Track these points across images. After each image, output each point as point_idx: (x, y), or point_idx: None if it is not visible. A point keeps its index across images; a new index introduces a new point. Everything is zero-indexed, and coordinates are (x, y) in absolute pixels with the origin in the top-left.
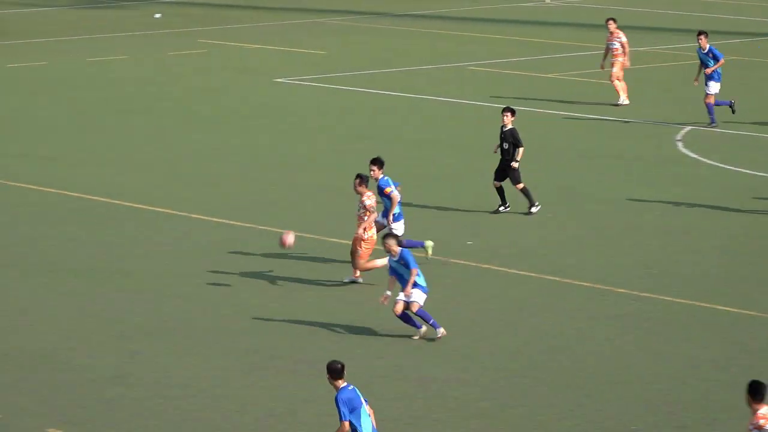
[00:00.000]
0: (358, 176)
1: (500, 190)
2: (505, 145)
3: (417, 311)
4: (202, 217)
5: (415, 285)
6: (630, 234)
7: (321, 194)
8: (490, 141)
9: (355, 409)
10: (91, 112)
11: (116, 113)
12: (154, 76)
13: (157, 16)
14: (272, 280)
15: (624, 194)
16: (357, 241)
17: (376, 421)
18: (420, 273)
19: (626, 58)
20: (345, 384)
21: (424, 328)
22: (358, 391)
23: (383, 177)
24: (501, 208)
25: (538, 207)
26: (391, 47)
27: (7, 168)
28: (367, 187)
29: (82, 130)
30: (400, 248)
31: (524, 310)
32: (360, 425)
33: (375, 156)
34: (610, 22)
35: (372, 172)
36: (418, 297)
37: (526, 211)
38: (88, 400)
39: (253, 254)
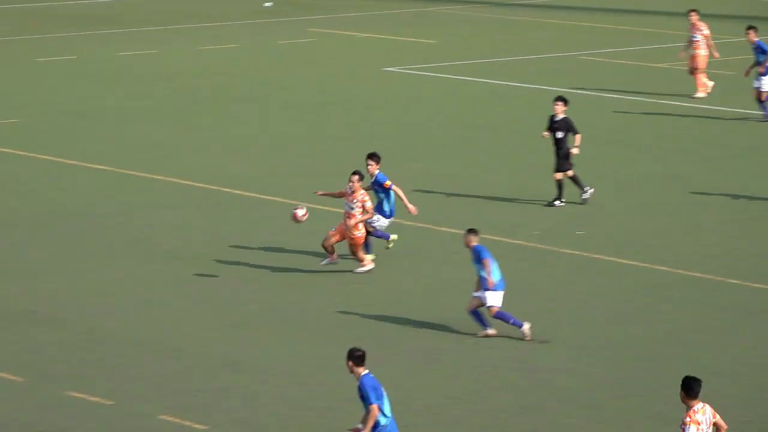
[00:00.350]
0: (358, 173)
1: (560, 183)
2: (559, 134)
3: (494, 315)
4: (313, 206)
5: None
6: (745, 224)
7: (431, 183)
8: (599, 130)
9: (380, 396)
10: (201, 101)
11: (226, 102)
12: (264, 65)
13: (268, 4)
14: (389, 267)
15: (737, 184)
16: (348, 234)
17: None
18: (496, 268)
19: (712, 49)
20: (366, 371)
21: (491, 330)
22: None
23: (379, 172)
24: (556, 202)
25: (591, 190)
26: (501, 36)
27: (119, 156)
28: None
29: (193, 118)
30: (474, 244)
31: (635, 300)
32: (384, 411)
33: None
34: (692, 13)
35: (369, 167)
36: (494, 299)
37: (579, 200)
38: (200, 387)
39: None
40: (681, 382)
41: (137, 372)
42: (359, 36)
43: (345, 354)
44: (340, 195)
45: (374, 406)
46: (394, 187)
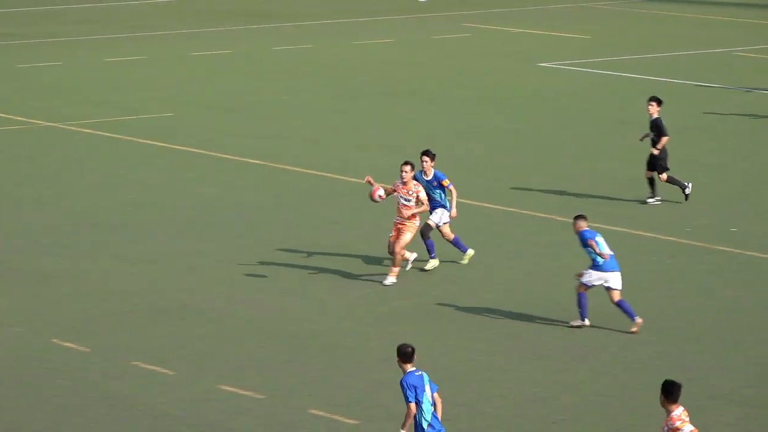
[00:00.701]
0: (410, 164)
1: (651, 181)
2: (652, 134)
3: (616, 302)
4: (466, 201)
5: (598, 266)
6: None
7: (586, 180)
8: (752, 128)
9: (418, 395)
10: (355, 95)
11: (379, 96)
12: (418, 60)
13: (423, 0)
14: (537, 263)
15: None
16: (401, 226)
17: (441, 413)
18: (604, 245)
19: None
20: (413, 369)
21: (639, 319)
22: (426, 378)
23: (435, 169)
24: (650, 200)
25: (690, 185)
26: (656, 32)
27: (271, 150)
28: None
29: (346, 112)
30: (582, 229)
31: None
32: (421, 411)
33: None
34: None
35: (424, 164)
36: (614, 281)
37: (683, 199)
38: (354, 382)
39: (516, 239)
40: (661, 386)
41: (291, 367)
42: (513, 31)
43: (497, 349)
44: (393, 191)
45: (412, 404)
46: (452, 186)
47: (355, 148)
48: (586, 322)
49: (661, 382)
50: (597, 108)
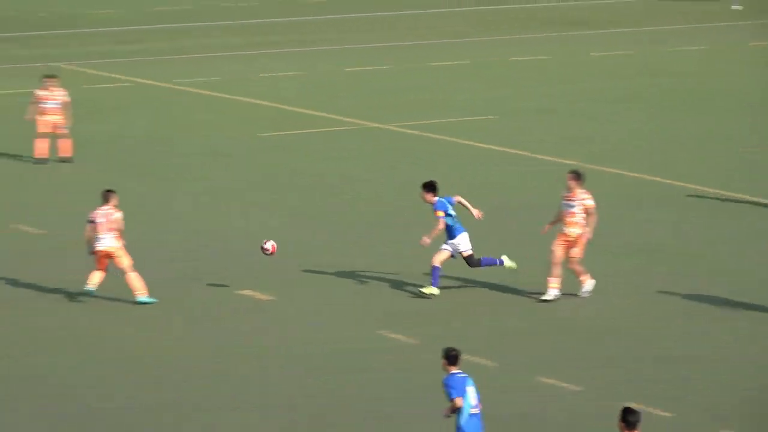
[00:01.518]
0: (575, 172)
1: None
2: None
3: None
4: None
5: None
6: None
7: None
8: None
9: (461, 394)
10: (671, 100)
11: (694, 102)
12: (732, 68)
13: (736, 7)
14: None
15: None
16: (574, 242)
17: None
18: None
19: None
20: (458, 371)
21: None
22: (470, 382)
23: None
24: None
25: None
26: None
27: (590, 152)
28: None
29: (662, 116)
30: None
31: None
32: (460, 411)
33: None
34: None
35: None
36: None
37: None
38: (663, 376)
39: None
40: (620, 413)
41: (606, 359)
42: None
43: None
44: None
45: (458, 399)
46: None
47: (668, 150)
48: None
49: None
50: None
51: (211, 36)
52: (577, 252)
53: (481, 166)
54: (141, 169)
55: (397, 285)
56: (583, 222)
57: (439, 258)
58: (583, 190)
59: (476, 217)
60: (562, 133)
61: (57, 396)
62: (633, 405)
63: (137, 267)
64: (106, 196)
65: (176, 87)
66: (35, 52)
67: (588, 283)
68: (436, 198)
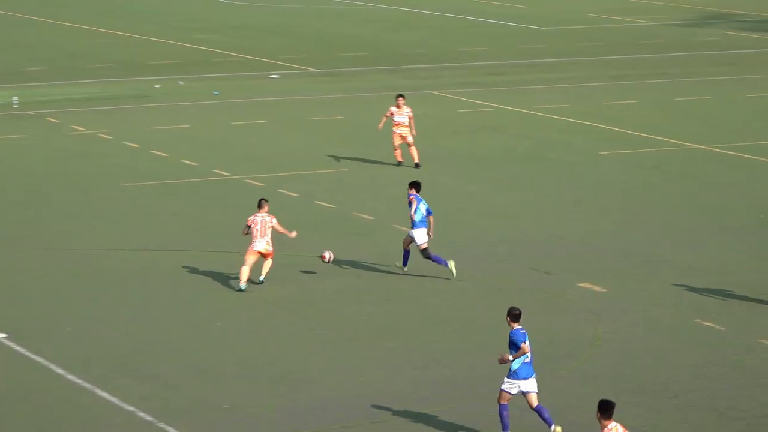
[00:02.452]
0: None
1: None
2: None
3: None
4: None
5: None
6: None
7: None
8: None
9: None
10: None
11: None
12: None
13: None
14: None
15: None
16: None
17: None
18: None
19: None
20: (519, 327)
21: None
22: (527, 336)
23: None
24: None
25: None
26: None
27: None
28: None
29: None
30: None
31: None
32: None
33: None
34: None
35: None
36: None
37: None
38: None
39: None
40: (597, 404)
41: None
42: None
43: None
44: None
45: (524, 344)
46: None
47: None
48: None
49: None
50: None
51: (564, 70)
52: None
53: None
54: (494, 176)
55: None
56: None
57: None
58: None
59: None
60: None
61: None
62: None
63: (500, 260)
64: (260, 203)
65: (532, 113)
66: (417, 83)
67: None
68: None
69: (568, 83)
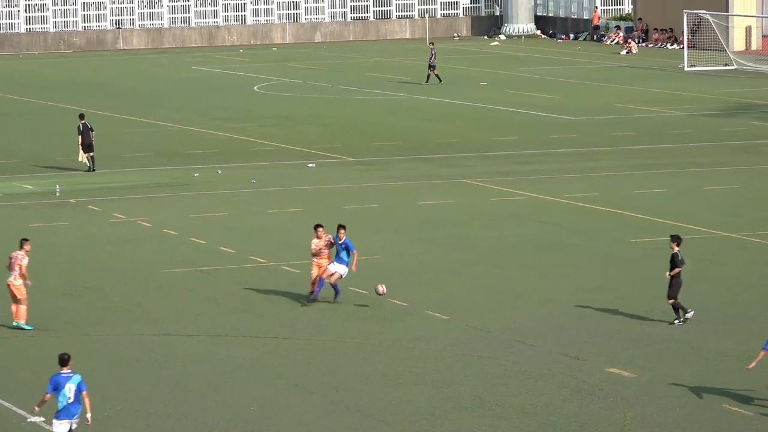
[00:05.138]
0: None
1: None
2: None
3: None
4: None
5: None
6: None
7: None
8: None
9: None
10: None
11: None
12: None
13: None
14: None
15: None
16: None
17: None
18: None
19: None
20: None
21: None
22: None
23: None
24: None
25: None
26: None
27: None
28: None
29: None
30: None
31: None
32: None
33: None
34: None
35: (339, 233)
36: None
37: None
38: None
39: None
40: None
41: None
42: None
43: None
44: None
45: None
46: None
47: None
48: None
49: None
50: None
51: (594, 160)
52: None
53: None
54: (522, 263)
55: None
56: None
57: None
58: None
59: None
60: None
61: None
62: None
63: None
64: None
65: (565, 201)
66: (451, 171)
67: None
68: None
69: (598, 172)
